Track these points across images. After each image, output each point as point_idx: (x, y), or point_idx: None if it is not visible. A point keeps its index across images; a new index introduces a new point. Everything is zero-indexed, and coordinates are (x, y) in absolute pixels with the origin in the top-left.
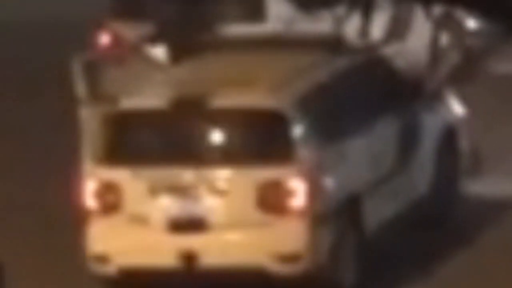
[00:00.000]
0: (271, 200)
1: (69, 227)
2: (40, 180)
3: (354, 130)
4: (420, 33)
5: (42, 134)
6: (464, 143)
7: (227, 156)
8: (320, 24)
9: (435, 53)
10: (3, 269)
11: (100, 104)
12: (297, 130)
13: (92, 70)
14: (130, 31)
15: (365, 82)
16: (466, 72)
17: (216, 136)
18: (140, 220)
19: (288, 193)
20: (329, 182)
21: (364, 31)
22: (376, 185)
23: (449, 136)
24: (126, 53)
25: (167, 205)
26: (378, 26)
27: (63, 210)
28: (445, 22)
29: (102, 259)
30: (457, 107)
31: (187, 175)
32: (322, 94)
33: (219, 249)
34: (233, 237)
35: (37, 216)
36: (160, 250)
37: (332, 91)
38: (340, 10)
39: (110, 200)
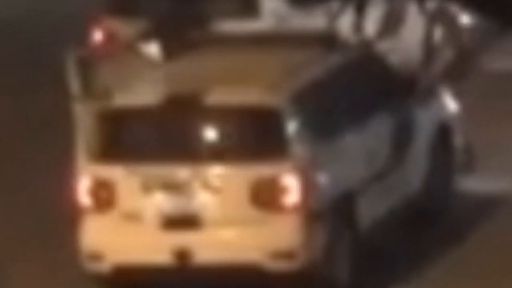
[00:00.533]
0: (265, 197)
1: (65, 225)
2: (36, 178)
3: (349, 127)
4: (414, 29)
5: (35, 130)
6: (458, 140)
7: (221, 153)
8: (314, 20)
9: (429, 49)
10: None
11: (94, 100)
12: (291, 127)
13: (86, 67)
14: (124, 28)
15: (359, 79)
16: (460, 69)
17: (211, 133)
18: (134, 217)
19: (282, 190)
20: (323, 179)
21: (358, 27)
22: (371, 182)
23: (443, 132)
24: (120, 50)
25: (161, 202)
26: (372, 21)
27: (58, 208)
28: (439, 18)
29: (96, 256)
30: (451, 104)
31: (181, 172)
32: (316, 90)
33: (213, 246)
34: (227, 234)
35: (33, 214)
36: (154, 247)
37: (326, 88)
38: (334, 5)
39: (104, 197)
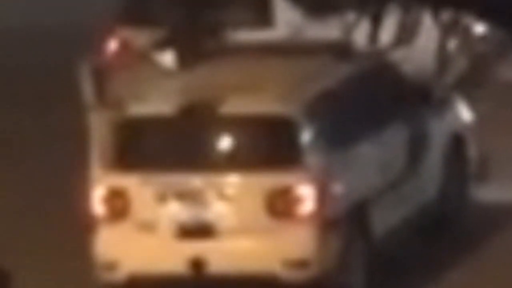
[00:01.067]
0: (280, 206)
1: (79, 235)
2: (49, 189)
3: (363, 136)
4: (428, 39)
5: (49, 139)
6: (472, 149)
7: (236, 162)
8: (329, 30)
9: (443, 59)
10: (10, 278)
11: (108, 110)
12: (306, 136)
13: (100, 76)
14: (139, 37)
15: (373, 88)
16: (474, 78)
17: (225, 142)
18: (149, 227)
19: (297, 199)
20: (337, 188)
21: (373, 37)
22: (385, 191)
23: (457, 142)
24: (134, 60)
25: (175, 211)
26: (386, 31)
27: (72, 218)
28: (453, 28)
29: (111, 266)
30: (465, 113)
31: (195, 181)
32: (330, 100)
33: (227, 255)
34: (241, 243)
35: (46, 224)
36: (168, 257)
37: (340, 97)
38: (350, 16)
39: (119, 207)
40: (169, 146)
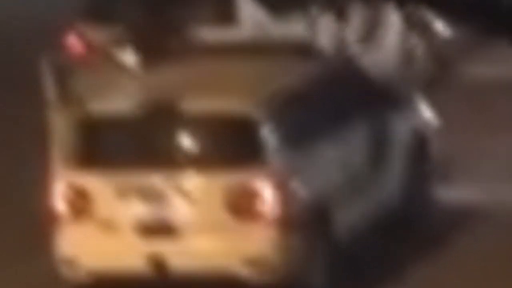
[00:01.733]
0: (240, 204)
1: (42, 233)
2: (13, 184)
3: (325, 136)
4: (392, 36)
5: (13, 138)
6: (435, 150)
7: (197, 160)
8: (292, 27)
9: (406, 56)
10: None
11: (70, 107)
12: (268, 135)
13: (62, 74)
14: (101, 36)
15: (336, 87)
16: (438, 77)
17: (186, 141)
18: (110, 224)
19: (258, 198)
20: (299, 188)
21: (338, 35)
22: (347, 190)
23: (420, 142)
24: (97, 57)
25: (136, 210)
26: (350, 29)
27: (36, 214)
28: (416, 26)
29: (72, 262)
30: (428, 114)
31: (156, 179)
32: (293, 99)
33: (188, 253)
34: (202, 241)
35: (10, 221)
36: (129, 254)
37: (303, 97)
38: (313, 13)
39: (80, 204)
40: (130, 144)
